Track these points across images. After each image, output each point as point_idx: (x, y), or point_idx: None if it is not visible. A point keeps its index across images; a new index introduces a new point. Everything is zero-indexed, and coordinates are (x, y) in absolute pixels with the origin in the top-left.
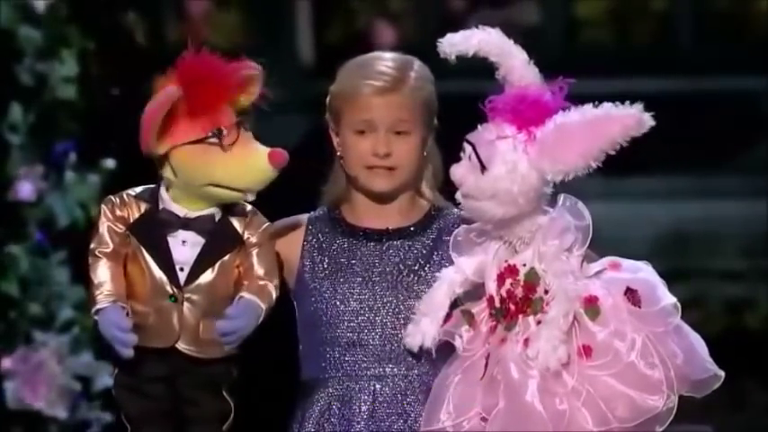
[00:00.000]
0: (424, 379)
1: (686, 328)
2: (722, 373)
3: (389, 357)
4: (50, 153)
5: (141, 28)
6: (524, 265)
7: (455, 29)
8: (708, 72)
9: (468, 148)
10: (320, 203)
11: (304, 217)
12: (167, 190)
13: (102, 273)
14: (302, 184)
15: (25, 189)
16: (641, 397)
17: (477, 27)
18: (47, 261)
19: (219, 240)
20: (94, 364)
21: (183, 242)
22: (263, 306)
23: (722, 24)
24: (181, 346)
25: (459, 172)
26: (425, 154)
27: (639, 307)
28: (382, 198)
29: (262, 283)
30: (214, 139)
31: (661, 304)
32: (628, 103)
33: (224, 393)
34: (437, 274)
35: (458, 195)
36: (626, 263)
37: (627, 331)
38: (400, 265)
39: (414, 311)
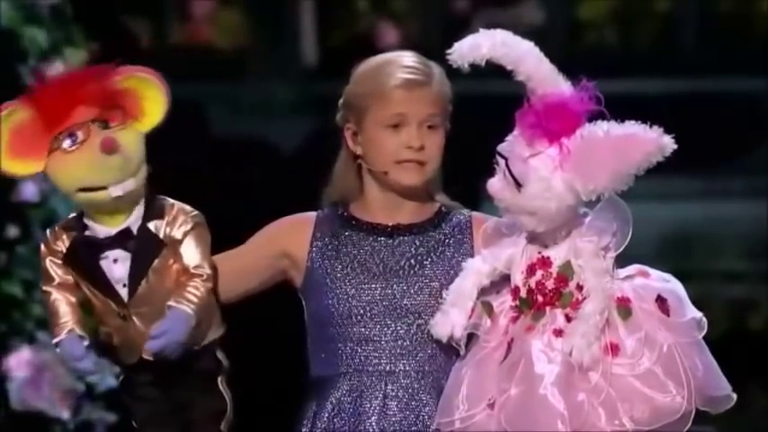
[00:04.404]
0: (436, 375)
1: (705, 345)
2: (735, 396)
3: (401, 353)
4: None
5: (145, 29)
6: (558, 257)
7: (458, 30)
8: (710, 73)
9: (501, 161)
10: (322, 204)
11: (312, 214)
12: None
13: (54, 306)
14: (305, 184)
15: (29, 190)
16: (661, 402)
17: (481, 30)
18: None
19: (143, 250)
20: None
21: (115, 260)
22: (190, 310)
23: (725, 26)
24: (148, 357)
25: (495, 187)
26: None
27: (668, 316)
28: (409, 193)
29: (191, 283)
30: (59, 144)
31: (688, 317)
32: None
33: (219, 388)
34: (448, 269)
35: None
36: (654, 272)
37: (657, 337)
38: (411, 260)
39: (423, 307)
